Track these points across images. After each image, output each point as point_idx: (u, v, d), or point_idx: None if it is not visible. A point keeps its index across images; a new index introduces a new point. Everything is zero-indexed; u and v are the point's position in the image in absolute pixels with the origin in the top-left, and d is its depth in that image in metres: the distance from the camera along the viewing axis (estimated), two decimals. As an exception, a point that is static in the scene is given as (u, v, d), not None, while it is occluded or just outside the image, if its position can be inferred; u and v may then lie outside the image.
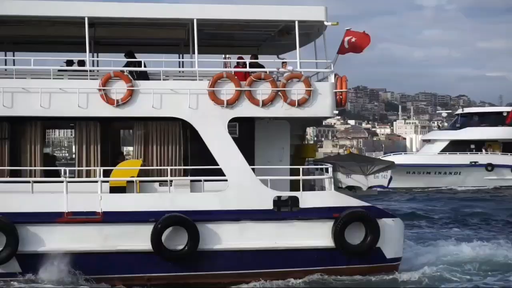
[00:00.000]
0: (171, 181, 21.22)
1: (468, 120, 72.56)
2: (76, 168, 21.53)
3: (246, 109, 21.38)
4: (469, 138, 69.60)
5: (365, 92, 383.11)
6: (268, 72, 21.85)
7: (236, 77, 21.47)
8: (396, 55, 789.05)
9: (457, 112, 78.22)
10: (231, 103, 21.27)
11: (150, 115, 21.18)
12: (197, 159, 21.72)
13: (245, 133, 22.16)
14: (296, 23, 21.84)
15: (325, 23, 21.97)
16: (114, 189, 20.98)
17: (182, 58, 25.56)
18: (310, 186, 23.24)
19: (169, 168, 21.31)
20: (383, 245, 21.80)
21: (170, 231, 20.55)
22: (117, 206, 20.59)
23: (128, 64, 22.07)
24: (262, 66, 22.63)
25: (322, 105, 21.71)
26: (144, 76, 21.91)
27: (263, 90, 21.40)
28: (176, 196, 21.03)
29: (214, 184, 21.27)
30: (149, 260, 20.53)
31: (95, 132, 21.48)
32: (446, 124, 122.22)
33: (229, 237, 21.02)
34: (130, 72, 21.67)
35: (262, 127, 22.48)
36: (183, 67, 24.43)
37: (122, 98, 20.88)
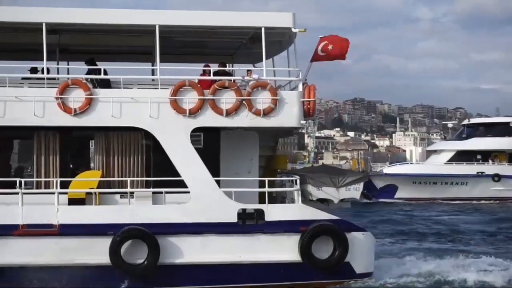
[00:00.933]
0: (131, 193, 20.38)
1: (475, 131, 71.87)
2: (34, 179, 20.66)
3: (209, 119, 20.54)
4: (475, 149, 68.84)
5: (362, 104, 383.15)
6: (233, 81, 20.97)
7: (199, 85, 20.64)
8: (392, 67, 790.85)
9: (463, 123, 77.56)
10: (193, 112, 20.43)
11: (109, 125, 20.35)
12: (160, 170, 20.89)
13: (210, 143, 21.30)
14: (263, 29, 21.01)
15: (293, 29, 21.11)
16: (73, 201, 20.13)
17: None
18: (281, 199, 22.38)
19: (129, 179, 20.46)
20: (352, 260, 20.93)
21: (129, 244, 19.70)
22: (75, 219, 19.75)
23: (89, 72, 21.25)
24: (230, 75, 21.75)
25: (289, 115, 20.86)
26: (106, 84, 21.07)
27: (227, 99, 20.55)
28: (136, 208, 20.19)
29: (179, 197, 20.43)
30: (108, 274, 19.65)
31: (54, 142, 20.62)
32: (446, 136, 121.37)
33: (191, 251, 20.16)
34: (92, 80, 20.86)
35: (229, 137, 21.63)
36: (153, 75, 23.51)
37: (80, 107, 20.04)
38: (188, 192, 20.36)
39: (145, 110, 20.22)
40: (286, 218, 20.60)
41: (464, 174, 67.05)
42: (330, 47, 22.23)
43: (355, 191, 22.26)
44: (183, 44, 23.64)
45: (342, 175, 22.36)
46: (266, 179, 21.03)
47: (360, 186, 22.30)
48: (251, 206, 20.54)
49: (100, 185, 20.53)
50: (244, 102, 20.57)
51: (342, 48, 22.35)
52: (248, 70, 21.67)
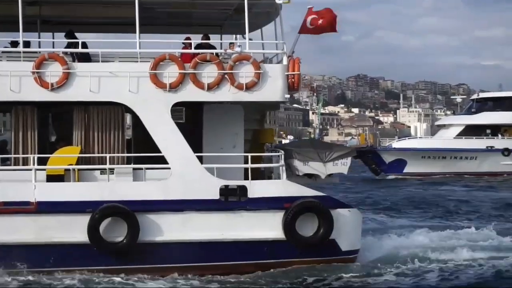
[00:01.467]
0: (111, 169, 19.82)
1: (484, 105, 71.71)
2: (12, 155, 20.13)
3: (190, 93, 19.91)
4: (485, 123, 68.77)
5: (365, 81, 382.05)
6: (214, 54, 20.31)
7: (180, 59, 19.99)
8: (394, 44, 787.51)
9: (472, 97, 77.11)
10: (174, 87, 19.79)
11: (87, 100, 19.75)
12: (141, 146, 20.33)
13: (192, 118, 20.73)
14: (245, 0, 20.34)
15: (276, 1, 20.41)
16: (51, 178, 19.58)
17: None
18: (269, 174, 21.76)
19: (108, 155, 19.88)
20: (338, 237, 20.39)
21: (109, 222, 19.20)
22: (53, 196, 19.22)
23: (68, 45, 20.63)
24: (213, 48, 21.07)
25: (273, 89, 20.22)
26: (86, 58, 20.45)
27: (209, 73, 19.91)
28: (116, 185, 19.64)
29: (162, 173, 19.89)
30: (87, 253, 19.15)
31: (31, 118, 20.04)
32: (454, 111, 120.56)
33: (172, 229, 19.62)
34: (72, 54, 20.26)
35: (213, 112, 21.04)
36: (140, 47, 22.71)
37: (57, 82, 19.44)
38: (169, 169, 19.78)
39: (124, 85, 19.62)
40: (269, 195, 20.05)
41: (473, 148, 66.69)
42: (320, 21, 21.55)
43: (342, 166, 21.63)
44: (168, 15, 22.97)
45: (329, 149, 21.72)
46: (249, 154, 20.43)
47: (348, 160, 21.66)
48: (234, 183, 19.98)
49: (80, 161, 19.97)
50: (226, 76, 19.93)
51: (332, 21, 21.67)
52: (230, 43, 21.02)
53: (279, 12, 21.33)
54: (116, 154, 20.08)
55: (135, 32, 23.45)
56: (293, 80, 20.33)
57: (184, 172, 19.78)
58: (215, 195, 19.78)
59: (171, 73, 19.75)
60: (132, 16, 20.79)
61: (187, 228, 19.67)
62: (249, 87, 20.00)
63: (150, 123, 19.81)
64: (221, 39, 23.95)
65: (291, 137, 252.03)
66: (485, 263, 21.14)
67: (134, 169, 19.98)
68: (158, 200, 19.58)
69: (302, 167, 21.47)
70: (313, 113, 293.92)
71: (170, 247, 19.59)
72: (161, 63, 19.76)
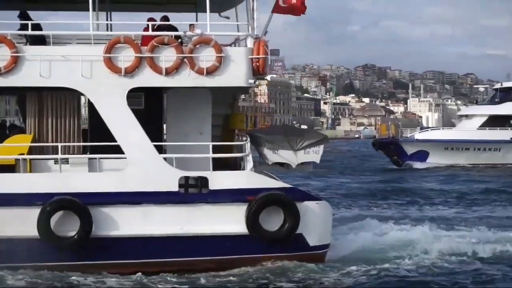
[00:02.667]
0: (66, 159, 18.52)
1: (508, 95, 69.53)
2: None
3: (147, 78, 18.54)
4: (509, 113, 66.69)
5: (373, 70, 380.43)
6: (173, 36, 18.91)
7: (135, 41, 18.62)
8: (399, 33, 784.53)
9: (495, 87, 75.30)
10: (130, 72, 18.40)
11: (37, 85, 18.41)
12: (99, 134, 18.96)
13: (152, 104, 19.36)
14: None
15: None
16: (1, 168, 18.30)
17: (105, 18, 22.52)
18: (238, 164, 20.40)
19: (60, 144, 18.56)
20: (305, 231, 19.00)
21: (60, 215, 17.89)
22: (2, 187, 17.94)
23: (22, 27, 19.29)
24: (175, 29, 19.66)
25: (235, 74, 18.83)
26: (41, 40, 19.11)
27: (167, 57, 18.53)
28: (68, 176, 18.34)
29: (120, 164, 18.58)
30: (37, 248, 17.87)
31: None
32: (477, 100, 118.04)
33: (129, 223, 18.32)
34: (25, 36, 18.95)
35: (177, 96, 19.66)
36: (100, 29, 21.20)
37: (5, 66, 18.09)
38: (125, 158, 18.47)
39: (77, 69, 18.28)
40: (232, 187, 18.70)
41: (497, 139, 64.93)
42: (293, 1, 20.20)
43: (314, 154, 20.20)
44: None
45: (300, 136, 20.29)
46: (210, 144, 19.05)
47: (320, 149, 20.23)
48: (194, 174, 18.63)
49: (33, 150, 18.68)
50: (185, 60, 18.55)
51: (302, 2, 20.36)
52: (190, 25, 19.55)
53: None
54: (67, 144, 18.76)
55: (106, 10, 22.34)
56: (258, 64, 18.92)
57: (141, 162, 18.46)
58: (174, 187, 18.44)
59: (126, 57, 18.38)
60: None
61: (144, 222, 18.36)
62: (210, 71, 18.61)
63: (105, 110, 18.48)
64: (196, 18, 22.40)
65: (304, 127, 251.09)
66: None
67: (90, 159, 18.66)
68: (113, 193, 18.28)
69: (272, 156, 20.09)
70: (324, 102, 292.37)
71: (126, 242, 18.29)
72: (115, 46, 18.40)
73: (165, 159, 18.80)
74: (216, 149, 19.20)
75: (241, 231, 18.57)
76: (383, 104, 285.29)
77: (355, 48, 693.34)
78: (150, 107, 19.29)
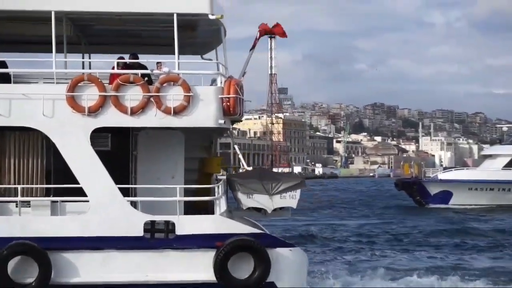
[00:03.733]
0: (25, 202, 17.57)
1: None
2: None
3: (112, 118, 17.62)
4: None
5: (382, 109, 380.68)
6: (140, 75, 18.00)
7: (99, 80, 17.72)
8: (406, 72, 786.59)
9: None
10: (93, 111, 17.51)
11: None
12: (63, 176, 18.02)
13: (119, 145, 18.41)
14: (175, 15, 18.09)
15: (210, 16, 18.13)
16: (-41, 211, 17.39)
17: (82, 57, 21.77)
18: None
19: (19, 186, 17.63)
20: (277, 280, 17.88)
21: (18, 261, 16.90)
22: None
23: (-12, 66, 18.46)
24: (145, 67, 18.78)
25: (205, 113, 17.88)
26: (6, 79, 18.26)
27: (132, 96, 17.62)
28: (28, 219, 17.39)
29: (83, 207, 17.61)
30: None
31: None
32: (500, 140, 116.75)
33: (90, 269, 17.30)
34: (-9, 75, 18.14)
35: (148, 138, 18.72)
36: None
37: (-35, 105, 17.27)
38: (88, 201, 17.49)
39: (38, 108, 17.39)
40: (200, 232, 17.65)
41: None
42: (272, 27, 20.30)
43: (291, 199, 19.07)
44: (116, 33, 20.78)
45: (275, 180, 19.20)
46: (178, 186, 18.02)
47: (297, 193, 19.12)
48: (160, 218, 17.61)
49: (-8, 192, 17.77)
50: (152, 99, 17.63)
51: (280, 28, 20.13)
52: (157, 63, 18.67)
53: (224, 29, 19.15)
54: (25, 186, 17.81)
55: (81, 52, 21.60)
56: (228, 104, 17.97)
57: (104, 206, 17.47)
58: (139, 232, 17.41)
59: (90, 95, 17.48)
60: (58, 34, 18.55)
61: (107, 268, 17.33)
62: (178, 111, 17.69)
63: (67, 151, 17.55)
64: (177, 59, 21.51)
65: (319, 165, 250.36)
66: None
67: (52, 202, 17.69)
68: (74, 237, 17.27)
69: (246, 200, 18.97)
70: (337, 141, 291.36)
71: None
72: (79, 84, 17.51)
73: (132, 203, 17.81)
74: (190, 193, 18.20)
75: (209, 278, 17.49)
76: (394, 142, 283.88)
77: (362, 87, 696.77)
78: (116, 148, 18.34)
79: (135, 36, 21.26)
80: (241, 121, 21.44)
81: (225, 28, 19.37)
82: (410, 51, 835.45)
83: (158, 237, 17.55)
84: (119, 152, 18.38)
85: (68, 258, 17.18)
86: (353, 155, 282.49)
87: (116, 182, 17.67)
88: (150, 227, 17.52)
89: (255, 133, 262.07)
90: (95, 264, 17.30)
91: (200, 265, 17.52)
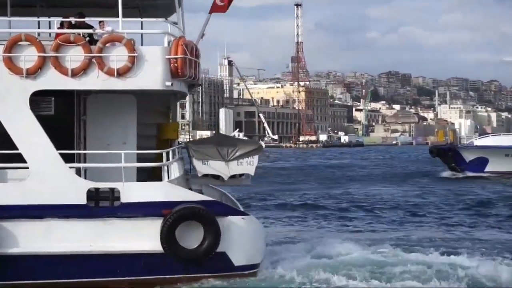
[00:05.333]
0: None
1: None
2: None
3: (52, 80, 16.41)
4: None
5: (397, 77, 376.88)
6: (81, 34, 16.73)
7: (38, 40, 16.47)
8: (418, 39, 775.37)
9: None
10: (32, 73, 16.32)
11: None
12: (1, 141, 16.81)
13: (63, 109, 17.21)
14: None
15: None
16: None
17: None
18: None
19: None
20: (230, 250, 16.71)
21: None
22: None
23: None
24: (90, 27, 17.48)
25: (150, 75, 16.63)
26: None
27: (73, 57, 16.37)
28: None
29: (25, 174, 16.49)
30: None
31: None
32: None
33: (30, 239, 16.21)
34: None
35: (98, 102, 17.52)
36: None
37: None
38: (28, 168, 16.35)
39: None
40: (147, 199, 16.48)
41: None
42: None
43: (248, 166, 17.86)
44: None
45: (232, 146, 17.96)
46: (123, 151, 16.78)
47: (255, 159, 17.90)
48: (104, 185, 16.44)
49: None
50: (94, 60, 16.37)
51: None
52: (100, 22, 17.37)
53: None
54: None
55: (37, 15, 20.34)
56: (176, 64, 16.67)
57: (44, 173, 16.31)
58: (82, 200, 16.26)
59: (28, 56, 16.25)
60: None
61: (48, 238, 16.24)
62: (122, 73, 16.44)
63: (4, 115, 16.38)
64: (141, 24, 20.23)
65: (342, 133, 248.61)
66: None
67: None
68: (13, 206, 16.16)
69: (201, 167, 17.80)
70: (356, 109, 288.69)
71: (29, 261, 16.17)
72: (16, 45, 16.28)
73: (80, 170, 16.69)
74: (146, 160, 17.03)
75: (155, 248, 16.36)
76: (413, 110, 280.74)
77: (375, 55, 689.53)
78: (61, 113, 17.14)
79: None
80: (200, 85, 20.12)
81: None
82: (421, 18, 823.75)
83: (102, 205, 16.42)
84: (64, 116, 17.20)
85: (6, 227, 16.09)
86: (373, 123, 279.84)
87: (60, 148, 16.53)
88: (93, 194, 16.37)
89: (278, 101, 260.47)
90: (36, 234, 16.21)
91: (147, 234, 16.41)
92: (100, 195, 16.43)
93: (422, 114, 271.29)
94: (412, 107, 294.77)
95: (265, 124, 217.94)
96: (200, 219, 16.41)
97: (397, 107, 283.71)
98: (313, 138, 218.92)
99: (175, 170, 17.51)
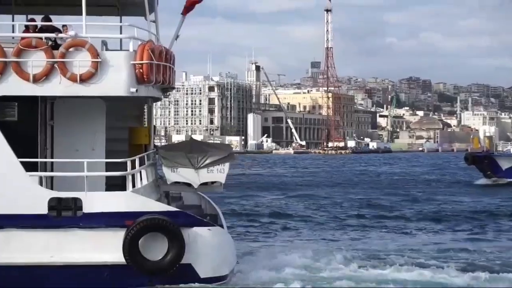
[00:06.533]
0: None
1: None
2: None
3: (12, 86, 15.80)
4: None
5: (418, 83, 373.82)
6: (44, 38, 16.03)
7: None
8: (437, 45, 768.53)
9: None
10: (-8, 78, 15.64)
11: None
12: None
13: (28, 115, 16.48)
14: None
15: None
16: None
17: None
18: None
19: None
20: (195, 261, 15.93)
21: None
22: None
23: None
24: (58, 31, 16.77)
25: (115, 81, 15.93)
26: None
27: (35, 62, 15.67)
28: None
29: None
30: None
31: None
32: None
33: None
34: None
35: (65, 107, 16.83)
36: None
37: None
38: None
39: None
40: (110, 209, 15.74)
41: None
42: None
43: (219, 174, 17.12)
44: None
45: (202, 153, 17.18)
46: (85, 160, 16.01)
47: (226, 167, 17.13)
48: (66, 194, 15.71)
49: None
50: (56, 65, 15.66)
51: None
52: (63, 26, 16.66)
53: None
54: None
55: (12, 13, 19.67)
56: (141, 70, 15.92)
57: (3, 181, 15.61)
58: (43, 210, 15.54)
59: None
60: None
61: (8, 248, 15.56)
62: (85, 79, 15.73)
63: None
64: (120, 22, 19.48)
65: (368, 139, 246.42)
66: None
67: None
68: None
69: (170, 174, 17.12)
70: (379, 115, 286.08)
71: None
72: None
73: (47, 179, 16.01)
74: (116, 167, 16.30)
75: (118, 260, 15.59)
76: (436, 117, 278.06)
77: (394, 61, 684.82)
78: (25, 119, 16.43)
79: None
80: (174, 88, 19.37)
81: None
82: (440, 24, 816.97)
83: (64, 215, 15.68)
84: (28, 122, 16.47)
85: None
86: (398, 130, 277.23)
87: (23, 155, 15.85)
88: (55, 204, 15.64)
89: (304, 107, 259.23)
90: None
91: (109, 245, 15.69)
92: (62, 205, 15.71)
93: (445, 121, 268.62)
94: (435, 113, 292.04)
95: (293, 130, 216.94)
96: (164, 230, 15.64)
97: (420, 113, 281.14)
98: (342, 144, 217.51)
99: (144, 178, 16.76)
